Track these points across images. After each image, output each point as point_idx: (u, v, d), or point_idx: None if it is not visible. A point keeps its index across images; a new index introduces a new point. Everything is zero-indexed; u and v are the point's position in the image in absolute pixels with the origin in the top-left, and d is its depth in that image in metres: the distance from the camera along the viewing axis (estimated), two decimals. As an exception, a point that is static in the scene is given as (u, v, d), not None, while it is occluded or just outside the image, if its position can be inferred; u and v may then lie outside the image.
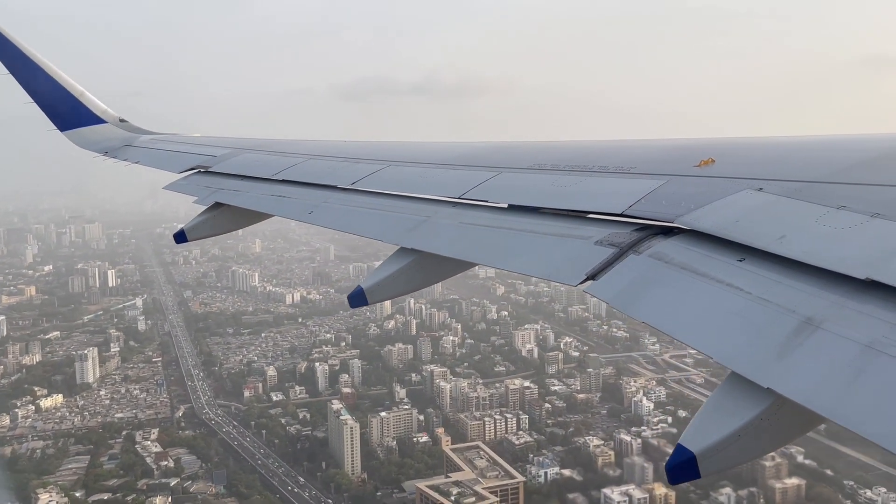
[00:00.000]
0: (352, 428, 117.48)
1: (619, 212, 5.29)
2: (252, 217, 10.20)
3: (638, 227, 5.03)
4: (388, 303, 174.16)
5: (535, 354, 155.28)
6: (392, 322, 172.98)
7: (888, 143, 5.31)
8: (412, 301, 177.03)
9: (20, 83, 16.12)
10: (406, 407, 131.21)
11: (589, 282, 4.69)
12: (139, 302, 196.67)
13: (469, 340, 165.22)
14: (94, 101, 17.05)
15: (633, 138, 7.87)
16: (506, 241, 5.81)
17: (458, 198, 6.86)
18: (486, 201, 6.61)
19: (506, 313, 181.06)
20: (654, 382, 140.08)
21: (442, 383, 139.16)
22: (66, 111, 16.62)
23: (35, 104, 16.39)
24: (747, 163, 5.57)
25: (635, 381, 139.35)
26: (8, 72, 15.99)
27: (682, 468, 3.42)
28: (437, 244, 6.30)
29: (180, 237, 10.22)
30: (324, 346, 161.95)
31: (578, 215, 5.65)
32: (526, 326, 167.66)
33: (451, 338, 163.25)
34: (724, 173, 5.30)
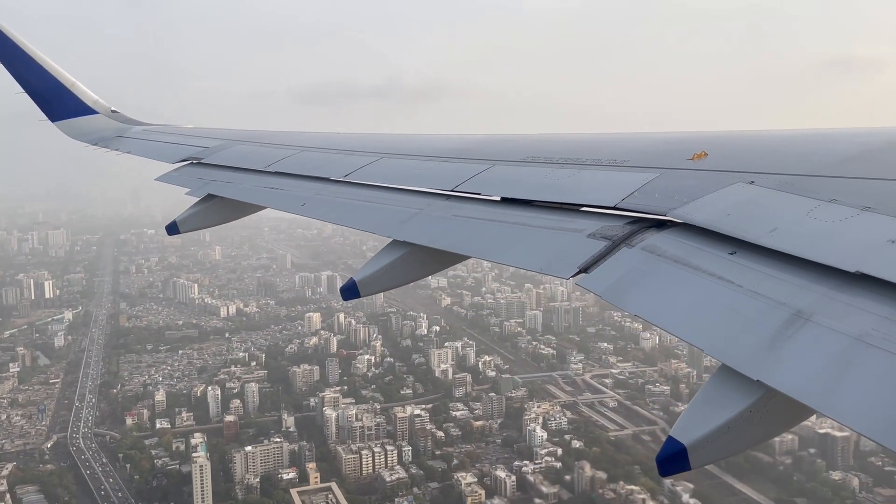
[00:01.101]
0: (202, 466, 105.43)
1: (612, 205, 5.29)
2: (244, 209, 10.17)
3: (631, 220, 5.04)
4: (317, 317, 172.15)
5: (450, 375, 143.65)
6: (315, 339, 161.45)
7: (879, 137, 5.32)
8: (342, 315, 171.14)
9: (11, 73, 16.00)
10: (278, 440, 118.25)
11: (581, 274, 4.69)
12: (69, 315, 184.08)
13: (388, 359, 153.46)
14: (86, 91, 16.94)
15: (625, 132, 7.86)
16: (498, 234, 5.81)
17: (451, 191, 6.85)
18: (479, 194, 6.61)
19: (437, 328, 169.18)
20: (560, 407, 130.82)
21: (328, 411, 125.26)
22: (58, 101, 16.52)
23: (26, 94, 16.29)
24: (739, 156, 5.58)
25: (539, 406, 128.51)
26: None
27: (672, 460, 3.43)
28: (429, 237, 6.29)
29: (172, 229, 10.19)
30: (233, 366, 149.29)
31: (571, 208, 5.65)
32: (446, 345, 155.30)
33: (367, 357, 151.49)
34: (717, 167, 5.31)
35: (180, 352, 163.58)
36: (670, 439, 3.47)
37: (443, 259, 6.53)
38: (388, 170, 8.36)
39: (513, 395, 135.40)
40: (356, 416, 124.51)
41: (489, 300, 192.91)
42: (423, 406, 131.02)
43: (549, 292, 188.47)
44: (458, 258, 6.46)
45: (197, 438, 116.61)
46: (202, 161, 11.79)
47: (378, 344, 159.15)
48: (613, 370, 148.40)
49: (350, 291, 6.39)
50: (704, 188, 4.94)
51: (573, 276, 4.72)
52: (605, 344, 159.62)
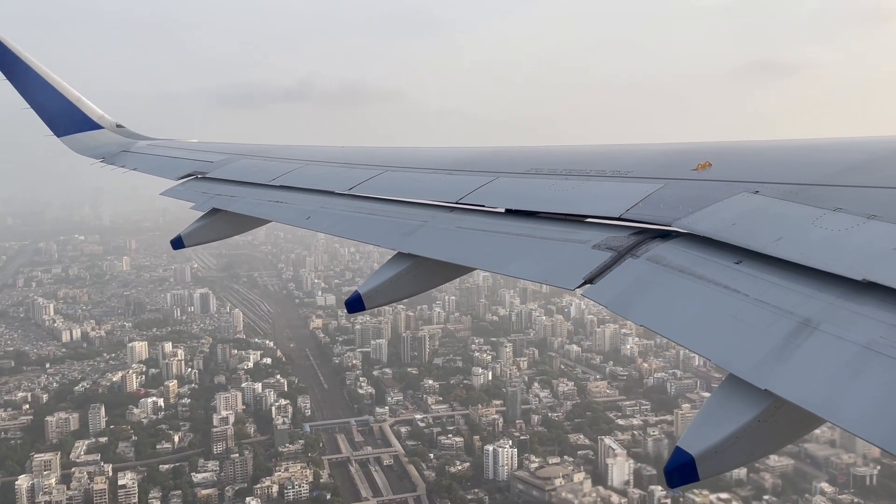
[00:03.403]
0: None
1: (617, 215, 5.29)
2: (249, 223, 10.19)
3: (635, 231, 5.04)
4: (142, 347, 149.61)
5: (230, 422, 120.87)
6: (120, 374, 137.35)
7: (884, 146, 5.33)
8: (169, 344, 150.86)
9: (17, 89, 16.14)
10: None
11: (587, 286, 4.69)
12: None
13: (184, 401, 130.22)
14: (91, 106, 17.05)
15: (629, 143, 7.88)
16: (503, 246, 5.81)
17: (456, 203, 6.85)
18: (484, 206, 6.61)
19: (269, 360, 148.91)
20: (325, 466, 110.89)
21: (21, 479, 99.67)
22: (63, 117, 16.63)
23: (32, 110, 16.41)
24: (744, 166, 5.59)
25: (288, 469, 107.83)
26: (5, 77, 16.01)
27: (680, 471, 3.41)
28: (434, 249, 6.29)
29: (177, 243, 10.21)
30: (2, 410, 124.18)
31: (576, 219, 5.65)
32: (243, 386, 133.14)
33: (154, 399, 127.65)
34: (721, 176, 5.32)
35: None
36: (678, 450, 3.45)
37: (447, 271, 6.53)
38: (392, 182, 8.38)
39: (285, 449, 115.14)
40: (54, 484, 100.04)
41: (349, 321, 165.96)
42: (173, 464, 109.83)
43: (423, 314, 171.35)
44: (462, 270, 6.46)
45: None
46: (206, 175, 11.83)
47: (174, 384, 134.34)
48: (419, 415, 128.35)
49: (355, 304, 6.39)
50: (709, 198, 4.94)
51: (579, 287, 4.72)
52: (431, 381, 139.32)
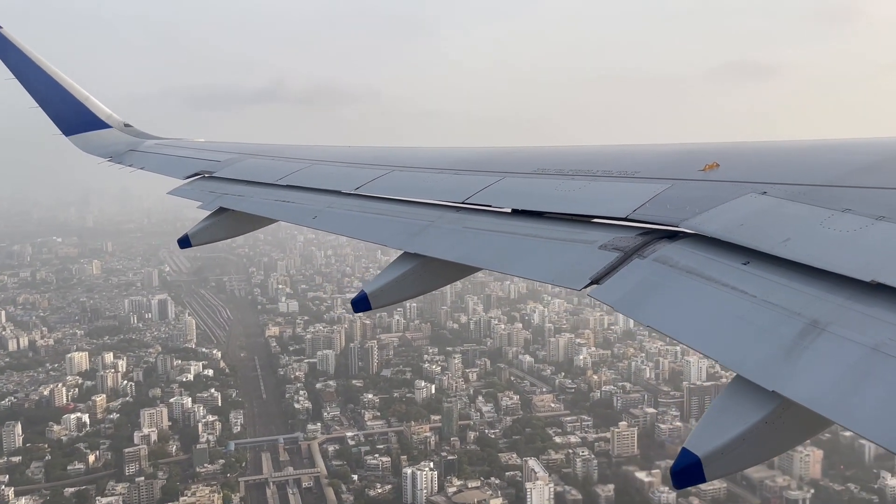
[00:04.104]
0: None
1: (624, 216, 5.28)
2: (256, 222, 10.22)
3: (643, 231, 5.03)
4: (82, 358, 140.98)
5: (152, 441, 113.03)
6: (56, 385, 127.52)
7: (892, 147, 5.31)
8: (110, 355, 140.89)
9: (25, 88, 16.19)
10: None
11: (593, 286, 4.68)
12: None
13: (112, 416, 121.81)
14: (99, 105, 17.10)
15: (636, 143, 7.86)
16: (509, 246, 5.80)
17: (462, 203, 6.85)
18: (490, 206, 6.61)
19: (211, 372, 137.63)
20: (240, 490, 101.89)
21: None
22: (71, 116, 16.68)
23: (40, 109, 16.46)
24: (751, 167, 5.57)
25: (198, 493, 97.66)
26: (13, 76, 16.08)
27: (686, 472, 3.40)
28: (440, 249, 6.29)
29: (184, 242, 10.24)
30: None
31: (583, 220, 5.64)
32: (173, 400, 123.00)
33: (77, 415, 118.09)
34: (729, 177, 5.30)
35: None
36: (684, 451, 3.43)
37: (454, 271, 6.53)
38: (399, 182, 8.38)
39: (203, 470, 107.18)
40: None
41: (307, 333, 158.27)
42: (80, 487, 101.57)
43: (382, 322, 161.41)
44: (469, 270, 6.45)
45: None
46: (214, 174, 11.86)
47: (102, 399, 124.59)
48: (350, 433, 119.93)
49: (361, 304, 6.39)
50: (716, 199, 4.93)
51: (585, 288, 4.71)
52: (371, 395, 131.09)
